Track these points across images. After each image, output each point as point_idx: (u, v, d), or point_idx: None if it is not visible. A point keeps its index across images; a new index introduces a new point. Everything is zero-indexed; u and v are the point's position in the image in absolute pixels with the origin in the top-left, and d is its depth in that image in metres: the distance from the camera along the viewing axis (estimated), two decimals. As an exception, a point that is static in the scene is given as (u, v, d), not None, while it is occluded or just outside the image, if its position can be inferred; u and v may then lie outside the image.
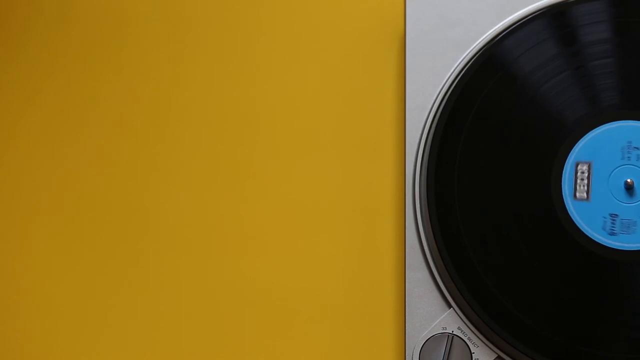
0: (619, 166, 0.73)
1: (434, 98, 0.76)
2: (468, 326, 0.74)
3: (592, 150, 0.73)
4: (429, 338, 0.74)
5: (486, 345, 0.74)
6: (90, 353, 0.80)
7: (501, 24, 0.76)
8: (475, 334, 0.74)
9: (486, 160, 0.74)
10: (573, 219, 0.73)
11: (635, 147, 0.73)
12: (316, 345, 0.79)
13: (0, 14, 0.85)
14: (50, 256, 0.81)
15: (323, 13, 0.83)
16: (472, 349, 0.74)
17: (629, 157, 0.73)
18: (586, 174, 0.73)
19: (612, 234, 0.72)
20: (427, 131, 0.76)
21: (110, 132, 0.83)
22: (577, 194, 0.72)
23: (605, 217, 0.73)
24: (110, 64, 0.83)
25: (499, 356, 0.74)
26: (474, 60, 0.76)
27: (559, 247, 0.73)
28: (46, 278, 0.81)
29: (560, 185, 0.73)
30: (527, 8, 0.76)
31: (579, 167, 0.73)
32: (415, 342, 0.74)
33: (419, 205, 0.75)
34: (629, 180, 0.73)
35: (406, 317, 0.74)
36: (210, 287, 0.80)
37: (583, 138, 0.73)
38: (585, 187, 0.73)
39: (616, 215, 0.73)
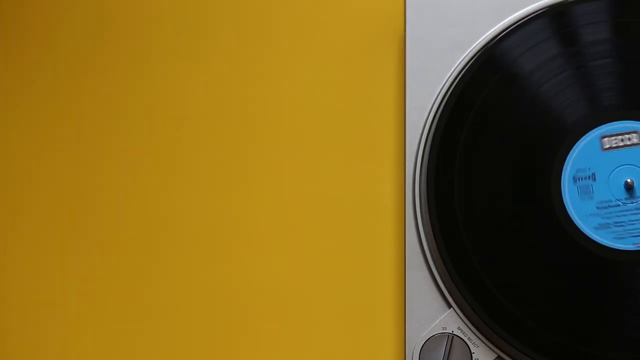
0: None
1: (434, 98, 0.76)
2: (468, 326, 0.74)
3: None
4: (429, 338, 0.74)
5: (486, 345, 0.74)
6: (90, 353, 0.80)
7: (501, 24, 0.76)
8: (475, 334, 0.74)
9: (486, 160, 0.74)
10: (573, 218, 0.73)
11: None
12: (316, 345, 0.79)
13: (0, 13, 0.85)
14: (48, 256, 0.81)
15: (323, 13, 0.83)
16: (472, 349, 0.74)
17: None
18: (629, 143, 0.72)
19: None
20: (427, 131, 0.76)
21: (110, 132, 0.83)
22: (606, 139, 0.72)
23: (615, 222, 0.73)
24: (109, 64, 0.83)
25: (499, 356, 0.74)
26: (474, 60, 0.76)
27: (559, 247, 0.73)
28: (44, 278, 0.81)
29: (560, 185, 0.73)
30: (527, 8, 0.76)
31: (633, 135, 0.72)
32: (415, 342, 0.74)
33: (419, 205, 0.75)
34: (629, 180, 0.73)
35: (406, 317, 0.74)
36: (209, 287, 0.80)
37: (583, 138, 0.73)
38: (615, 145, 0.72)
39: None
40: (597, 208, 0.73)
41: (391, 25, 0.82)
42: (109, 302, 0.81)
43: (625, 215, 0.73)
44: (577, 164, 0.73)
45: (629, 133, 0.73)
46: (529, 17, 0.76)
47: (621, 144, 0.73)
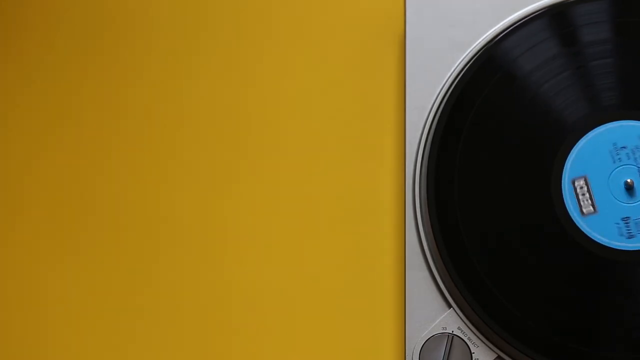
0: (613, 170, 0.73)
1: (434, 98, 0.76)
2: (468, 326, 0.74)
3: (582, 164, 0.73)
4: (429, 338, 0.74)
5: (486, 345, 0.74)
6: (90, 353, 0.80)
7: (501, 24, 0.76)
8: (475, 334, 0.74)
9: (486, 160, 0.74)
10: (573, 219, 0.73)
11: (622, 147, 0.73)
12: (316, 345, 0.79)
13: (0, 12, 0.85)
14: (47, 256, 0.81)
15: (323, 13, 0.83)
16: (472, 349, 0.74)
17: (619, 159, 0.73)
18: (585, 189, 0.73)
19: (630, 237, 0.72)
20: (427, 131, 0.76)
21: (109, 132, 0.83)
22: (584, 210, 0.72)
23: (618, 223, 0.73)
24: (109, 64, 0.83)
25: (499, 356, 0.74)
26: (474, 60, 0.76)
27: (559, 247, 0.73)
28: (43, 278, 0.81)
29: (560, 185, 0.73)
30: (527, 8, 0.76)
31: (576, 183, 0.73)
32: (415, 342, 0.74)
33: (419, 205, 0.75)
34: (628, 180, 0.73)
35: (406, 317, 0.74)
36: (209, 288, 0.80)
37: (576, 146, 0.73)
38: (590, 201, 0.73)
39: (628, 217, 0.73)
40: (617, 222, 0.73)
41: (391, 25, 0.82)
42: (108, 301, 0.81)
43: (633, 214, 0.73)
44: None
45: (575, 188, 0.73)
46: (529, 17, 0.76)
47: (588, 195, 0.73)
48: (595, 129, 0.74)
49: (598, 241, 0.72)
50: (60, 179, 0.82)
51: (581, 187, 0.72)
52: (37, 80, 0.84)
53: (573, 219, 0.73)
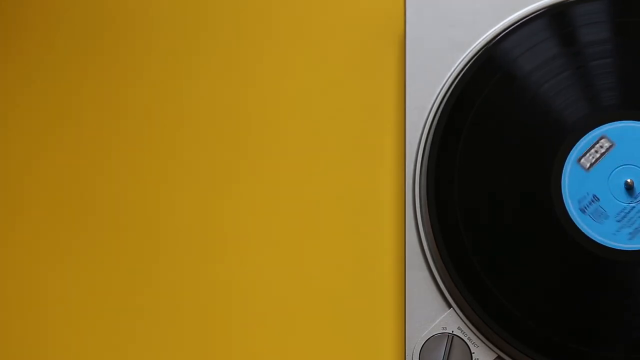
0: (631, 164, 0.73)
1: (434, 98, 0.76)
2: (468, 326, 0.74)
3: (621, 136, 0.73)
4: (429, 338, 0.74)
5: (486, 345, 0.74)
6: (90, 353, 0.80)
7: (501, 24, 0.76)
8: (475, 334, 0.74)
9: (486, 160, 0.74)
10: (573, 218, 0.73)
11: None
12: (316, 345, 0.79)
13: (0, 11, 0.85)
14: (47, 256, 0.81)
15: (323, 13, 0.83)
16: (472, 349, 0.74)
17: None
18: (603, 151, 0.72)
19: (582, 210, 0.73)
20: (427, 131, 0.76)
21: (109, 132, 0.83)
22: (582, 160, 0.72)
23: (587, 194, 0.73)
24: (109, 64, 0.83)
25: (499, 356, 0.74)
26: (474, 60, 0.76)
27: (559, 247, 0.73)
28: (43, 278, 0.81)
29: (560, 185, 0.73)
30: (527, 8, 0.76)
31: (602, 140, 0.72)
32: (415, 342, 0.74)
33: (419, 205, 0.75)
34: (629, 180, 0.73)
35: (406, 317, 0.74)
36: (209, 288, 0.80)
37: (584, 137, 0.73)
38: (594, 160, 0.72)
39: (598, 199, 0.73)
40: (617, 221, 0.73)
41: (391, 25, 0.82)
42: (108, 301, 0.81)
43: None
44: (575, 194, 0.73)
45: (598, 142, 0.73)
46: (529, 17, 0.76)
47: (598, 155, 0.73)
48: (596, 129, 0.74)
49: (598, 241, 0.72)
50: (60, 179, 0.82)
51: (601, 146, 0.72)
52: (37, 80, 0.84)
53: (573, 219, 0.73)
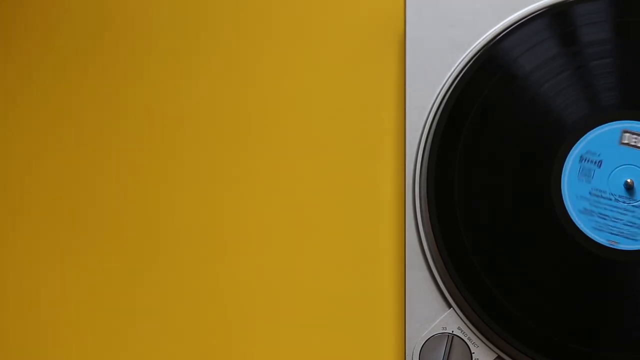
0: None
1: (434, 98, 0.76)
2: (468, 326, 0.74)
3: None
4: (429, 338, 0.74)
5: (486, 345, 0.74)
6: (88, 353, 0.80)
7: (501, 24, 0.76)
8: (475, 334, 0.74)
9: (486, 160, 0.74)
10: (573, 219, 0.73)
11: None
12: (316, 345, 0.79)
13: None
14: (46, 256, 0.81)
15: (323, 13, 0.83)
16: (472, 349, 0.74)
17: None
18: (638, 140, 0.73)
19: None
20: (427, 131, 0.76)
21: (108, 132, 0.83)
22: (627, 136, 0.72)
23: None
24: (108, 64, 0.83)
25: (499, 356, 0.74)
26: (474, 60, 0.76)
27: (559, 247, 0.73)
28: (42, 278, 0.81)
29: (560, 185, 0.73)
30: (527, 8, 0.76)
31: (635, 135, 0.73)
32: (415, 342, 0.74)
33: (419, 205, 0.75)
34: (629, 180, 0.73)
35: (406, 317, 0.74)
36: (209, 288, 0.80)
37: (586, 136, 0.73)
38: (634, 144, 0.73)
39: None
40: (590, 194, 0.73)
41: (391, 25, 0.82)
42: (108, 301, 0.81)
43: (612, 210, 0.73)
44: (590, 146, 0.73)
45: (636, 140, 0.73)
46: (529, 17, 0.76)
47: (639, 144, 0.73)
48: (595, 129, 0.73)
49: (595, 240, 0.72)
50: (60, 179, 0.82)
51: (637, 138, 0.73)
52: (37, 80, 0.84)
53: (573, 219, 0.73)
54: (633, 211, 0.73)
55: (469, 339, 0.74)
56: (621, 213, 0.73)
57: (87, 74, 0.83)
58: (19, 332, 0.81)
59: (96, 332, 0.80)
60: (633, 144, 0.73)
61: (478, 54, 0.76)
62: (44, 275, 0.81)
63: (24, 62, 0.84)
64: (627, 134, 0.73)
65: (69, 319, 0.80)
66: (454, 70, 0.76)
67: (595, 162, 0.73)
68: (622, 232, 0.72)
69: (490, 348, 0.74)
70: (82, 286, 0.81)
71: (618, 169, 0.73)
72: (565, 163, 0.73)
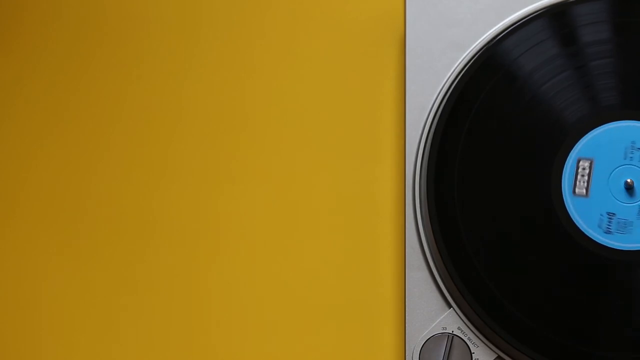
0: (619, 166, 0.73)
1: (434, 98, 0.76)
2: (468, 326, 0.74)
3: (594, 148, 0.73)
4: (429, 338, 0.74)
5: (486, 345, 0.74)
6: (88, 353, 0.80)
7: (501, 24, 0.76)
8: (475, 334, 0.74)
9: (486, 160, 0.74)
10: (573, 219, 0.73)
11: (638, 148, 0.73)
12: (316, 345, 0.79)
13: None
14: (43, 256, 0.81)
15: (323, 13, 0.83)
16: (472, 349, 0.74)
17: (631, 157, 0.73)
18: (587, 171, 0.73)
19: (607, 232, 0.72)
20: (427, 131, 0.76)
21: (104, 132, 0.83)
22: (577, 190, 0.72)
23: (602, 215, 0.73)
24: (104, 65, 0.83)
25: (499, 356, 0.74)
26: (474, 60, 0.76)
27: (559, 247, 0.73)
28: (41, 278, 0.81)
29: (560, 185, 0.73)
30: (527, 8, 0.76)
31: (581, 163, 0.73)
32: (415, 342, 0.74)
33: (419, 205, 0.75)
34: (629, 180, 0.73)
35: (406, 317, 0.74)
36: (207, 288, 0.80)
37: (584, 137, 0.73)
38: (585, 184, 0.73)
39: (613, 214, 0.73)
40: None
41: (391, 25, 0.82)
42: (104, 300, 0.81)
43: (623, 214, 0.73)
44: (586, 215, 0.73)
45: (577, 167, 0.73)
46: (529, 17, 0.76)
47: (586, 178, 0.73)
48: (595, 129, 0.74)
49: (595, 240, 0.72)
50: (55, 179, 0.82)
51: (584, 169, 0.72)
52: (33, 78, 0.84)
53: (573, 219, 0.73)
54: (634, 211, 0.73)
55: (469, 339, 0.74)
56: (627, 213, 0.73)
57: (82, 72, 0.83)
58: (14, 330, 0.81)
59: (92, 331, 0.80)
60: (583, 186, 0.73)
61: (478, 54, 0.76)
62: (40, 273, 0.81)
63: (19, 63, 0.84)
64: (576, 190, 0.73)
65: (64, 318, 0.80)
66: (454, 70, 0.76)
67: (611, 218, 0.73)
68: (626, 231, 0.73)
69: (490, 348, 0.74)
70: (77, 285, 0.81)
71: (612, 174, 0.73)
72: (565, 163, 0.73)
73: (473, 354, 0.74)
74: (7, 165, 0.83)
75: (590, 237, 0.72)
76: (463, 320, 0.74)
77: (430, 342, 0.74)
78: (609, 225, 0.72)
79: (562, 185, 0.73)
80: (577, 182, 0.73)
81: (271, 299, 0.80)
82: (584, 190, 0.72)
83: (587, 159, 0.73)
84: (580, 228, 0.73)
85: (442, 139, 0.75)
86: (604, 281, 0.72)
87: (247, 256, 0.80)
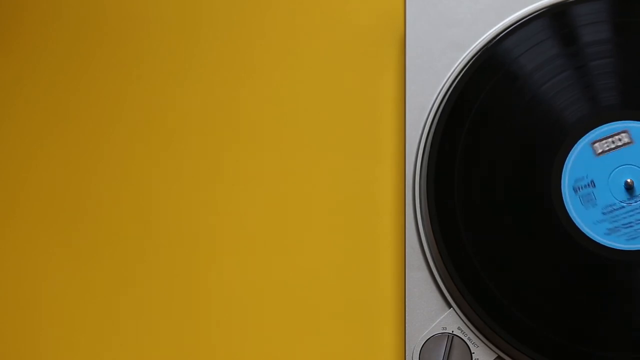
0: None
1: (434, 98, 0.76)
2: (468, 326, 0.74)
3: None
4: (429, 338, 0.74)
5: (486, 345, 0.74)
6: (87, 353, 0.80)
7: (501, 24, 0.76)
8: (475, 334, 0.74)
9: (486, 160, 0.74)
10: (573, 218, 0.73)
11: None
12: (316, 345, 0.79)
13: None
14: (39, 256, 0.81)
15: (323, 13, 0.83)
16: (472, 349, 0.74)
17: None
18: (620, 144, 0.72)
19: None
20: (427, 131, 0.76)
21: (104, 133, 0.83)
22: (596, 144, 0.72)
23: (602, 215, 0.73)
24: (103, 65, 0.83)
25: (499, 356, 0.74)
26: (474, 60, 0.76)
27: (559, 247, 0.73)
28: (41, 278, 0.81)
29: (560, 185, 0.73)
30: (527, 8, 0.76)
31: (622, 134, 0.72)
32: (415, 342, 0.74)
33: (419, 205, 0.75)
34: (629, 180, 0.73)
35: (406, 317, 0.74)
36: (206, 288, 0.80)
37: (584, 137, 0.73)
38: (607, 148, 0.72)
39: (613, 212, 0.73)
40: (603, 214, 0.73)
41: (391, 25, 0.82)
42: (103, 300, 0.81)
43: (632, 215, 0.73)
44: (575, 173, 0.73)
45: (618, 134, 0.73)
46: (529, 17, 0.76)
47: (613, 146, 0.73)
48: (595, 129, 0.74)
49: (597, 241, 0.72)
50: (55, 179, 0.82)
51: (620, 139, 0.72)
52: (32, 78, 0.84)
53: (573, 219, 0.73)
54: (635, 210, 0.73)
55: (469, 339, 0.74)
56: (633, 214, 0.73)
57: (82, 72, 0.83)
58: (14, 330, 0.81)
59: (93, 330, 0.80)
60: (607, 149, 0.73)
61: (478, 54, 0.76)
62: (40, 272, 0.81)
63: (18, 63, 0.84)
64: (596, 144, 0.73)
65: (66, 316, 0.80)
66: (454, 70, 0.76)
67: (588, 185, 0.73)
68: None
69: (490, 348, 0.74)
70: (78, 284, 0.81)
71: (612, 175, 0.73)
72: (565, 163, 0.73)
73: (473, 354, 0.74)
74: (7, 165, 0.83)
75: (590, 237, 0.72)
76: (463, 320, 0.74)
77: (430, 342, 0.74)
78: (581, 187, 0.72)
79: (562, 185, 0.73)
80: (604, 141, 0.72)
81: (271, 299, 0.80)
82: (600, 150, 0.72)
83: (630, 137, 0.73)
84: (580, 228, 0.73)
85: (442, 139, 0.75)
86: (604, 281, 0.72)
87: (247, 256, 0.80)
